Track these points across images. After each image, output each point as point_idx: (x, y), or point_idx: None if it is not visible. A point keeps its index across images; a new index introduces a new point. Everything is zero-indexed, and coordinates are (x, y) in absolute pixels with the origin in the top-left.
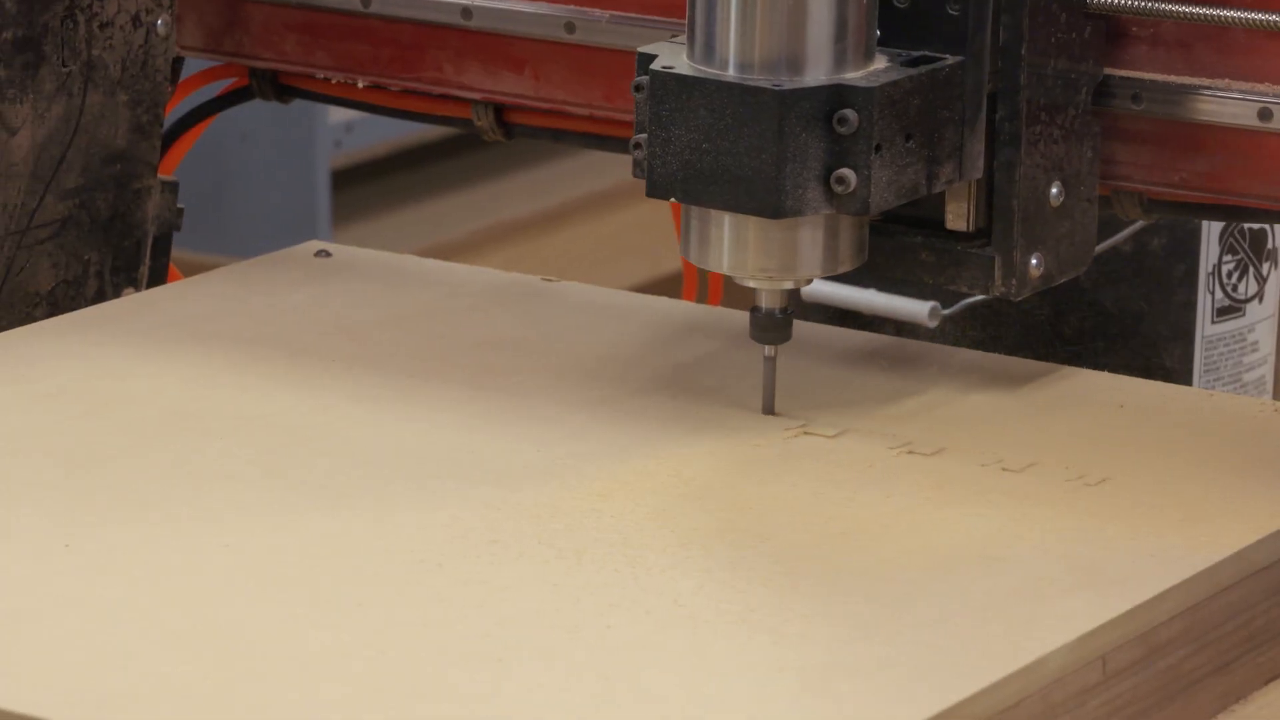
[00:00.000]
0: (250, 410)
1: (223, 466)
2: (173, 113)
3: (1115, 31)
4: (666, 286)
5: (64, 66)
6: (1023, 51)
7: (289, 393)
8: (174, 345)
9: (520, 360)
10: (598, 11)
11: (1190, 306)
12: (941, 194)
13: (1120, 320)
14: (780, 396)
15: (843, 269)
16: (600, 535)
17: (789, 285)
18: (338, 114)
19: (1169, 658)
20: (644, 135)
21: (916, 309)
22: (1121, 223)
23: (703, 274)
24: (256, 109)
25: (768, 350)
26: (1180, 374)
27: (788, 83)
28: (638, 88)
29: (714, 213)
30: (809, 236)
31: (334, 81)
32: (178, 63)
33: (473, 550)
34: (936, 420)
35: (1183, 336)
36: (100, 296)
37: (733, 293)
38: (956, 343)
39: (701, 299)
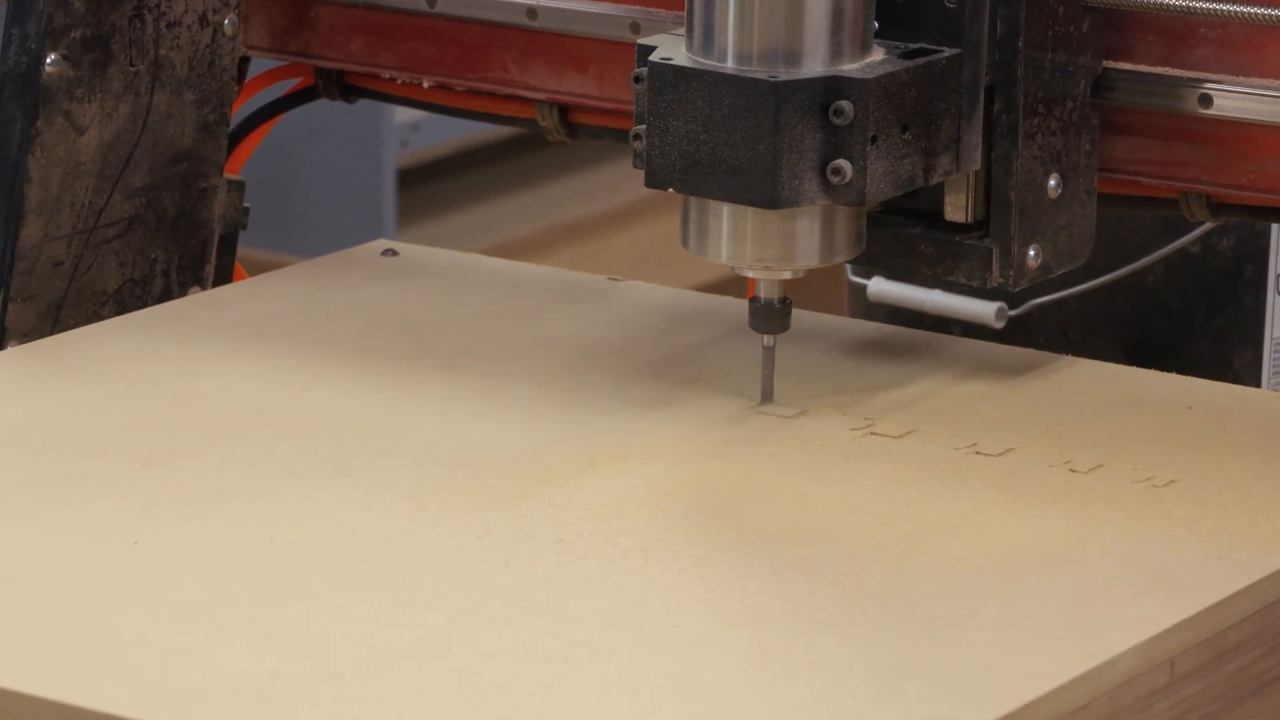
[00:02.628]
0: (318, 409)
1: (292, 464)
2: (239, 112)
3: (1182, 32)
4: (732, 286)
5: (131, 66)
6: (1020, 44)
7: (357, 391)
8: (243, 344)
9: (586, 360)
10: (662, 11)
11: (1259, 308)
12: (941, 186)
13: (1188, 321)
14: (845, 395)
15: (839, 259)
16: (666, 535)
17: (787, 275)
18: (404, 113)
19: (1237, 660)
20: (643, 126)
21: (983, 309)
22: (1189, 224)
23: None
24: (323, 108)
25: (767, 340)
26: (1248, 376)
27: (784, 74)
28: (637, 79)
29: (712, 203)
30: (806, 227)
31: (399, 81)
32: (244, 62)
33: (539, 549)
34: (1003, 421)
35: (1251, 338)
36: (166, 295)
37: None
38: (1024, 344)
39: None
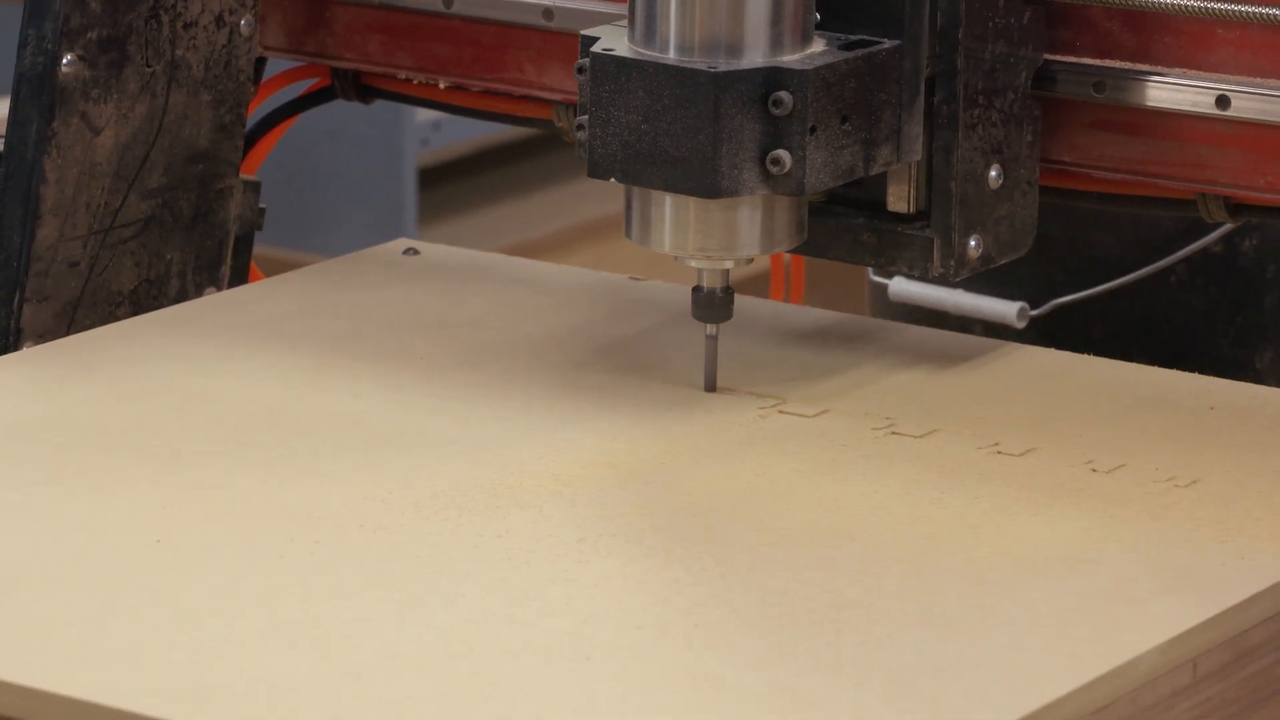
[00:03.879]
0: (338, 408)
1: (312, 464)
2: (255, 113)
3: (1202, 36)
4: (752, 285)
5: (148, 66)
6: (960, 36)
7: (377, 391)
8: (262, 343)
9: (606, 359)
10: None
11: None
12: (884, 176)
13: (1211, 322)
14: (867, 395)
15: (780, 249)
16: (688, 534)
17: (729, 264)
18: (425, 113)
19: (1259, 662)
20: (586, 117)
21: (1005, 309)
22: (1211, 224)
23: (788, 272)
24: (344, 108)
25: (709, 329)
26: (1271, 376)
27: (724, 65)
28: (580, 69)
29: (655, 194)
30: (748, 216)
31: (416, 82)
32: (260, 63)
33: (560, 548)
34: (1024, 421)
35: (1274, 339)
36: (182, 296)
37: (814, 291)
38: (1046, 344)
39: (787, 297)
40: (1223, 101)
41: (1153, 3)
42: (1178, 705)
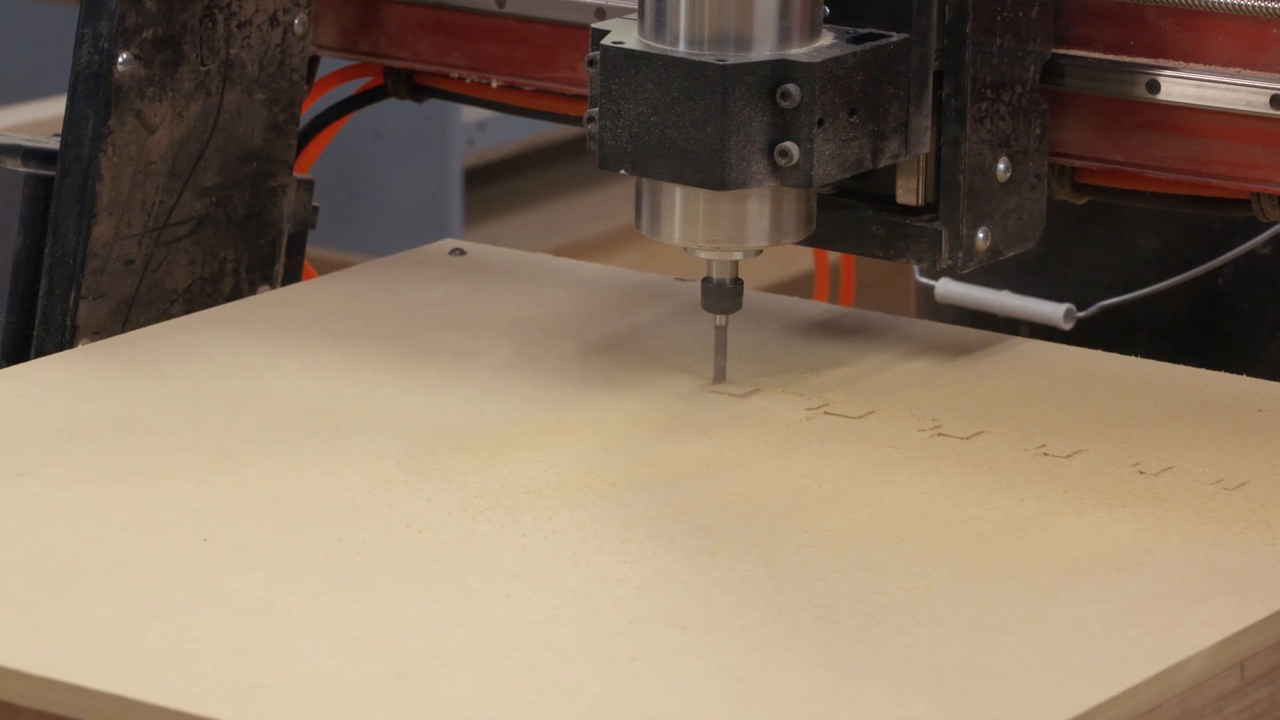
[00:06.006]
0: (387, 407)
1: (359, 463)
2: (308, 111)
3: (1256, 36)
4: (798, 286)
5: (202, 65)
6: (968, 30)
7: (424, 390)
8: (312, 342)
9: (652, 361)
10: None
11: None
12: (894, 169)
13: (1258, 324)
14: (912, 396)
15: (788, 240)
16: (734, 535)
17: (738, 256)
18: (471, 113)
19: None
20: (596, 109)
21: (1051, 311)
22: (1259, 225)
23: (835, 274)
24: (391, 108)
25: (719, 320)
26: None
27: (732, 58)
28: (590, 62)
29: (664, 185)
30: (756, 208)
31: (468, 81)
32: (314, 62)
33: (607, 548)
34: (1071, 423)
35: None
36: (236, 294)
37: (858, 293)
38: (1092, 345)
39: (834, 299)
40: (1277, 101)
41: (1204, 2)
42: (1225, 708)
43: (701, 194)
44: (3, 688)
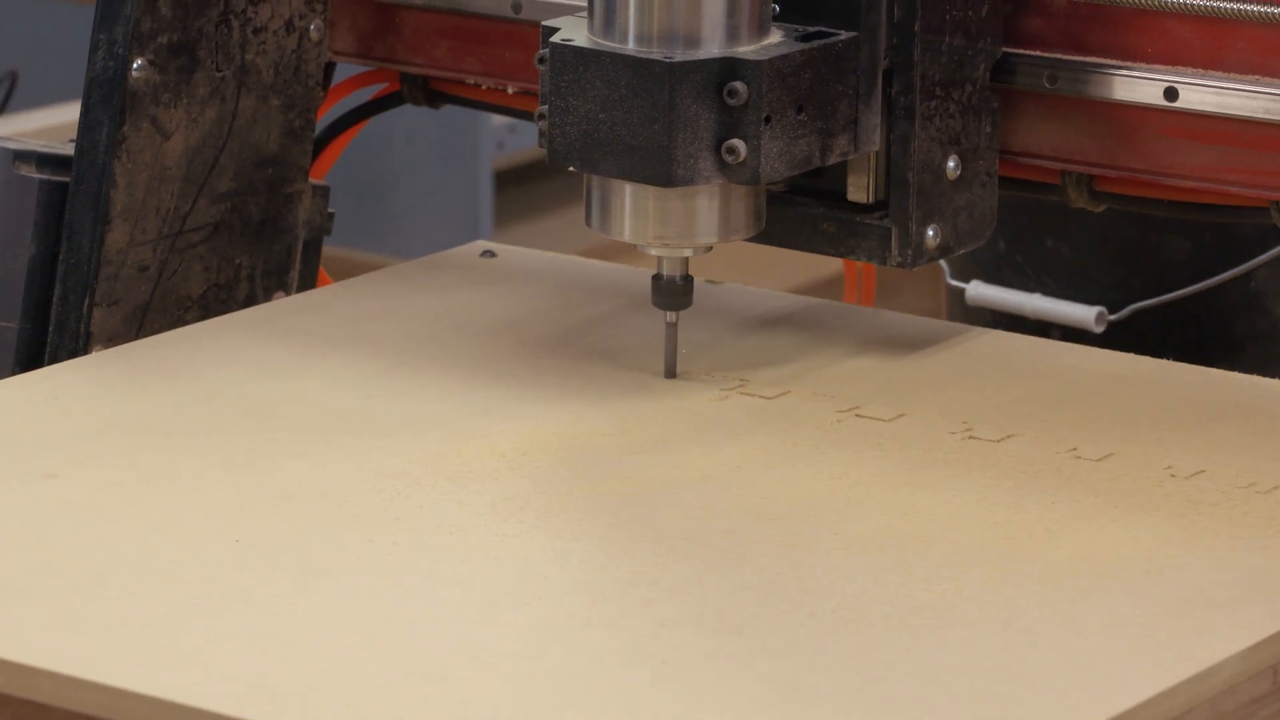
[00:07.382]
0: (416, 410)
1: (389, 466)
2: (324, 117)
3: (1275, 42)
4: (828, 289)
5: (218, 71)
6: (916, 28)
7: (454, 393)
8: (340, 345)
9: (685, 363)
10: None
11: None
12: (845, 166)
13: None
14: (942, 400)
15: (738, 237)
16: (764, 537)
17: (687, 252)
18: (500, 116)
19: None
20: (546, 106)
21: (1083, 314)
22: None
23: (862, 277)
24: (421, 111)
25: (669, 316)
26: None
27: (680, 55)
28: (540, 60)
29: (615, 182)
30: (706, 205)
31: (484, 87)
32: (330, 68)
33: (637, 550)
34: (1103, 426)
35: None
36: (250, 300)
37: (892, 297)
38: (1124, 348)
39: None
40: None
41: (1223, 8)
42: (1258, 713)
43: (651, 191)
44: (34, 688)
